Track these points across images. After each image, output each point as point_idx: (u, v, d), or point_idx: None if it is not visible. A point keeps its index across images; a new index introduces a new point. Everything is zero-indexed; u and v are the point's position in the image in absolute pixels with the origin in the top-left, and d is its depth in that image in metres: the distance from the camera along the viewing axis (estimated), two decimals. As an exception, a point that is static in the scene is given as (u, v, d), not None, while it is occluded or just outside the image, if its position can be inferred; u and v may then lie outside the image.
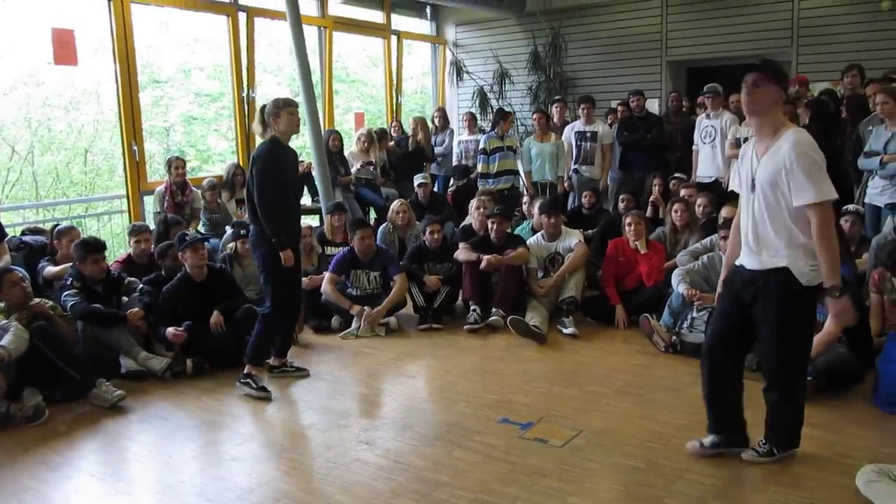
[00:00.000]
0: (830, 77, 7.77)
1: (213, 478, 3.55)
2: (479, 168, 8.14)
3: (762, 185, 3.05)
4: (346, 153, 8.30)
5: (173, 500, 3.34)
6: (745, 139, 6.79)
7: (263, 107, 4.50)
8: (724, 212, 5.76)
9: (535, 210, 6.64)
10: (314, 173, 7.64)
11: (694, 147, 7.47)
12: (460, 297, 6.15)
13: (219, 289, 5.23)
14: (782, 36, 8.62)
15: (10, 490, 3.43)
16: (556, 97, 9.14)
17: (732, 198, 6.51)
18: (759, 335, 3.20)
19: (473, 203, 6.85)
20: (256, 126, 4.54)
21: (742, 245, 3.23)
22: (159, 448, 3.92)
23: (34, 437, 3.95)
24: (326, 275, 5.90)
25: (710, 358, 3.38)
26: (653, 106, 8.78)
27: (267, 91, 11.84)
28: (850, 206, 5.70)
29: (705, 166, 7.38)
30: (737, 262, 3.27)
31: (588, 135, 7.96)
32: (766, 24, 8.69)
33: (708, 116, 7.38)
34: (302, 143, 10.36)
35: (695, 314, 5.03)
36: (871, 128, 5.77)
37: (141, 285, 5.32)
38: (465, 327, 5.70)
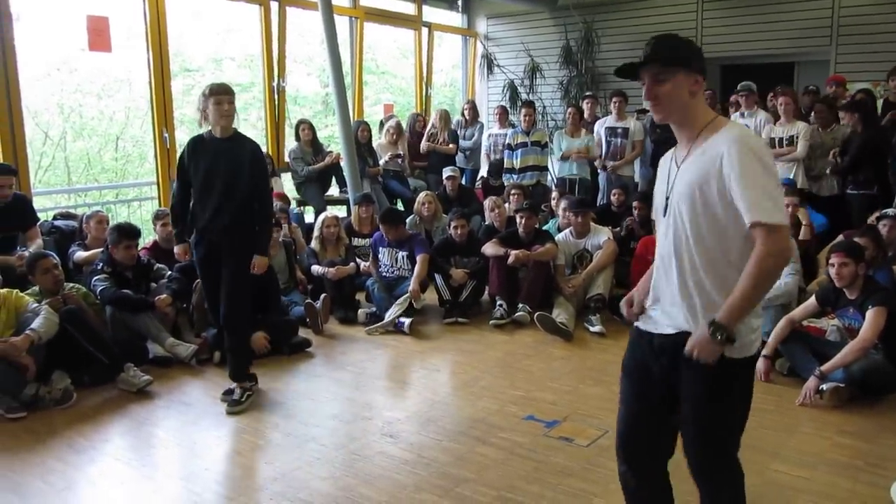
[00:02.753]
0: (871, 78, 7.60)
1: (237, 465, 3.56)
2: (505, 163, 8.12)
3: (679, 203, 2.11)
4: (374, 144, 8.29)
5: (197, 486, 3.35)
6: (780, 140, 6.70)
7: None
8: None
9: (560, 208, 6.60)
10: (342, 164, 7.63)
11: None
12: (487, 292, 6.11)
13: (260, 285, 5.19)
14: (821, 34, 8.44)
15: (37, 471, 3.46)
16: (588, 93, 9.05)
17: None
18: (681, 412, 2.21)
19: (487, 203, 6.82)
20: (199, 116, 4.16)
21: (649, 299, 2.28)
22: (184, 434, 3.94)
23: (62, 419, 3.99)
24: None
25: (629, 475, 2.41)
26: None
27: (297, 81, 11.89)
28: (889, 210, 5.57)
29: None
30: (640, 326, 2.30)
31: (619, 131, 7.87)
32: (805, 21, 8.51)
33: (742, 115, 7.25)
34: (330, 134, 10.38)
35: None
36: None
37: (169, 272, 5.36)
38: (491, 322, 5.67)
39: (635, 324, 2.32)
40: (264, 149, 7.95)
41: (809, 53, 8.63)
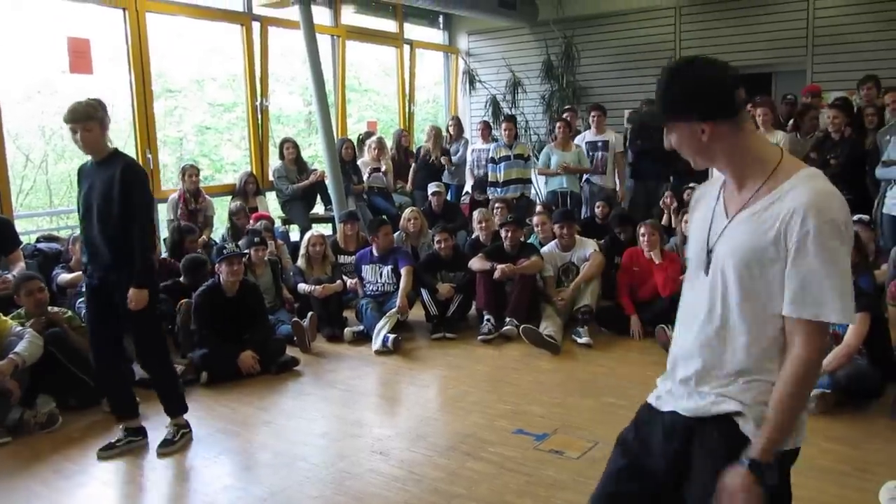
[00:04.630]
0: (846, 87, 7.71)
1: (226, 487, 3.53)
2: (489, 177, 8.16)
3: (725, 264, 1.69)
4: (357, 162, 8.30)
5: (186, 509, 3.32)
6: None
7: None
8: None
9: (535, 220, 6.63)
10: (327, 182, 7.65)
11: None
12: (474, 307, 6.12)
13: (247, 305, 5.21)
14: (797, 45, 8.57)
15: (22, 497, 3.42)
16: (567, 106, 9.12)
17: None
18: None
19: (476, 216, 6.85)
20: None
21: (668, 371, 1.90)
22: (172, 456, 3.90)
23: (48, 444, 3.94)
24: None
25: None
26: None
27: (280, 100, 11.87)
28: (865, 216, 5.63)
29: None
30: (651, 401, 1.90)
31: (599, 144, 7.94)
32: (781, 32, 8.64)
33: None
34: (314, 153, 10.38)
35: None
36: (888, 137, 5.72)
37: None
38: (479, 337, 5.67)
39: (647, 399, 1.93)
40: (248, 168, 7.99)
41: (786, 63, 8.76)
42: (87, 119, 3.57)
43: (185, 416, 4.05)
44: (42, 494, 3.45)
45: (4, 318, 4.36)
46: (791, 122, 7.16)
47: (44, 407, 4.18)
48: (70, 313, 4.84)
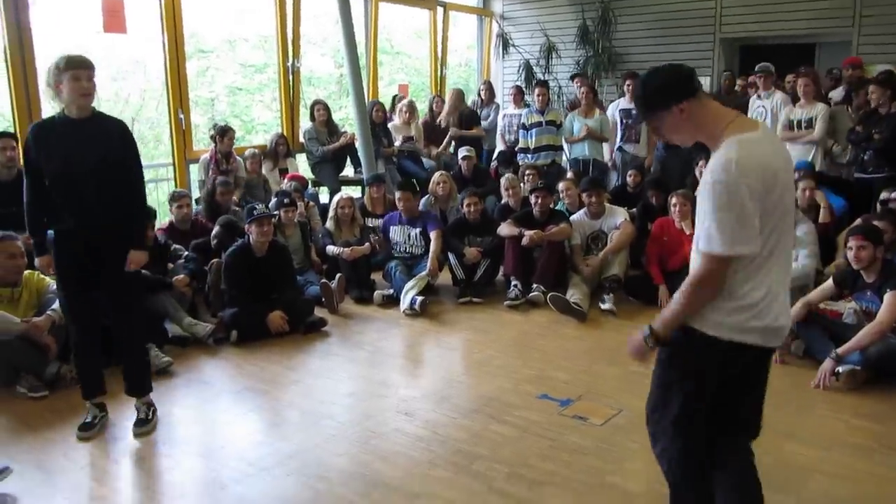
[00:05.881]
0: (892, 60, 7.48)
1: (255, 443, 3.61)
2: (520, 143, 8.10)
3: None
4: (388, 125, 8.28)
5: (215, 463, 3.40)
6: (799, 122, 6.63)
7: (50, 67, 3.44)
8: None
9: (561, 186, 6.57)
10: (357, 144, 7.65)
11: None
12: (501, 272, 6.12)
13: (276, 265, 5.26)
14: (843, 15, 8.30)
15: (60, 448, 3.53)
16: (576, 72, 9.01)
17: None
18: None
19: (503, 183, 6.82)
20: (46, 92, 3.52)
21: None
22: (203, 412, 3.99)
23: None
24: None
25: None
26: (704, 84, 8.57)
27: (311, 62, 11.86)
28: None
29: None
30: None
31: (633, 112, 7.81)
32: (826, 1, 8.37)
33: (759, 97, 7.19)
34: (345, 116, 10.37)
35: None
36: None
37: (186, 252, 5.41)
38: (506, 302, 5.68)
39: None
40: (279, 130, 8.01)
41: (831, 34, 8.51)
42: (93, 68, 3.42)
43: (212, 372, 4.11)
44: (78, 446, 3.56)
45: (43, 276, 4.43)
46: (842, 94, 6.98)
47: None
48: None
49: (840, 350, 4.05)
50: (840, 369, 4.02)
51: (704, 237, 2.15)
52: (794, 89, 6.91)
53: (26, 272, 4.38)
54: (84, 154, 3.42)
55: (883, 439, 3.46)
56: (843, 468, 3.19)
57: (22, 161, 3.52)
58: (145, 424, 3.71)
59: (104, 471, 3.40)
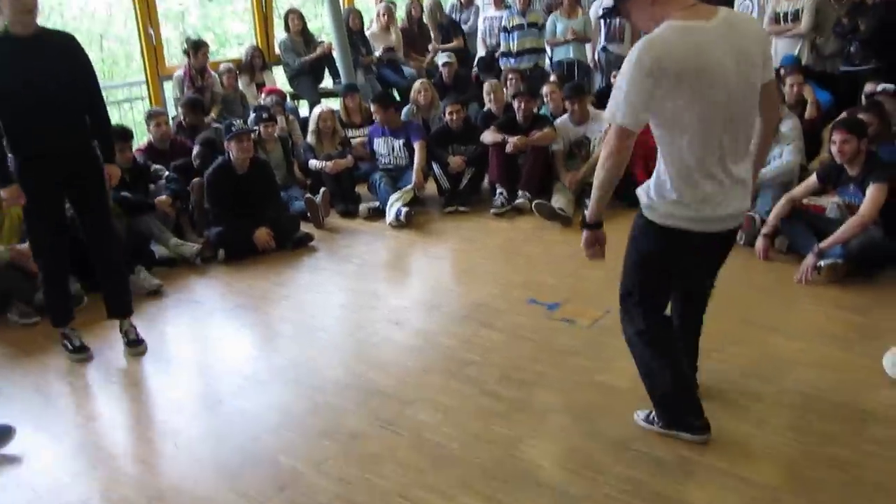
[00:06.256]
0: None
1: (250, 358, 3.67)
2: (501, 47, 7.90)
3: None
4: (366, 33, 8.05)
5: (211, 378, 3.47)
6: (786, 14, 6.49)
7: None
8: None
9: (545, 89, 6.46)
10: (335, 54, 7.44)
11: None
12: (486, 180, 6.09)
13: (259, 182, 5.20)
14: None
15: (57, 373, 3.58)
16: None
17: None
18: None
19: (486, 87, 6.69)
20: None
21: None
22: (196, 330, 4.04)
23: (75, 322, 3.99)
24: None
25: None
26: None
27: (282, -32, 11.38)
28: (890, 86, 5.45)
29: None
30: None
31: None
32: None
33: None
34: (320, 26, 10.05)
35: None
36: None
37: (167, 172, 5.33)
38: (492, 210, 5.67)
39: None
40: (253, 42, 7.78)
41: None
42: None
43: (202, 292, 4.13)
44: (74, 369, 3.61)
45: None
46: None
47: (70, 286, 4.24)
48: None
49: (822, 244, 4.10)
50: (822, 263, 4.08)
51: (609, 108, 2.39)
52: None
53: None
54: (39, 74, 3.28)
55: (862, 330, 3.56)
56: (823, 357, 3.29)
57: None
58: (139, 344, 3.74)
59: (103, 391, 3.46)
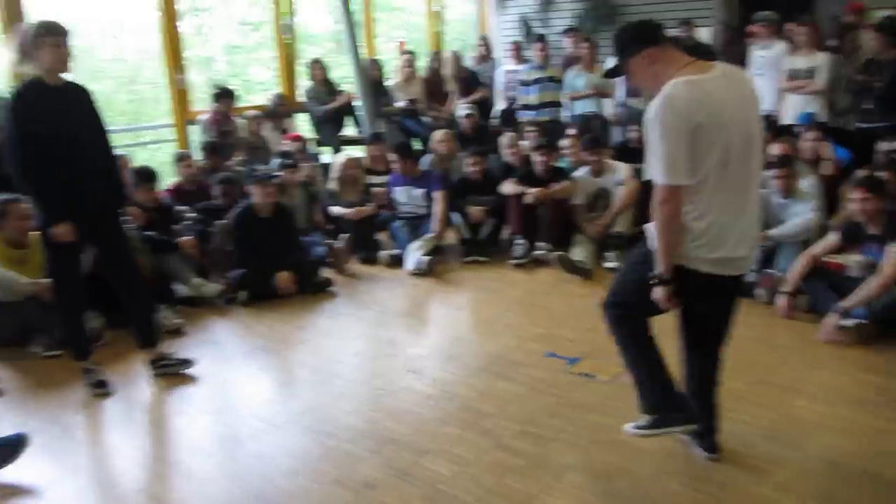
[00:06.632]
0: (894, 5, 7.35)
1: (267, 401, 3.67)
2: (520, 100, 8.02)
3: None
4: (387, 83, 8.20)
5: (230, 420, 3.46)
6: (802, 71, 6.56)
7: (22, 31, 3.46)
8: (774, 148, 5.50)
9: (565, 143, 6.52)
10: (357, 104, 7.58)
11: (747, 80, 7.16)
12: (506, 231, 6.12)
13: (281, 226, 5.27)
14: (846, -39, 8.14)
15: (75, 405, 3.60)
16: (570, 27, 8.86)
17: (785, 132, 6.33)
18: None
19: (504, 141, 6.77)
20: (12, 57, 3.46)
21: None
22: (214, 372, 4.03)
23: (96, 357, 3.98)
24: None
25: None
26: (704, 36, 8.43)
27: (308, 19, 11.68)
28: None
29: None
30: None
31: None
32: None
33: (760, 47, 7.09)
34: (345, 74, 10.25)
35: (745, 252, 4.93)
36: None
37: (192, 213, 5.41)
38: (511, 261, 5.69)
39: None
40: (277, 89, 7.94)
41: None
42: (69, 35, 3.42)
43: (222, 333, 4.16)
44: (93, 403, 3.64)
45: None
46: (838, 42, 6.88)
47: (91, 323, 4.27)
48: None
49: (845, 303, 4.07)
50: (845, 323, 4.04)
51: (651, 168, 2.50)
52: (794, 38, 6.81)
53: (34, 234, 4.37)
54: (70, 122, 3.48)
55: (888, 393, 3.49)
56: (848, 423, 3.23)
57: (7, 127, 3.40)
58: (184, 362, 3.94)
59: (121, 427, 3.47)
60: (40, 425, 3.39)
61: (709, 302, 2.73)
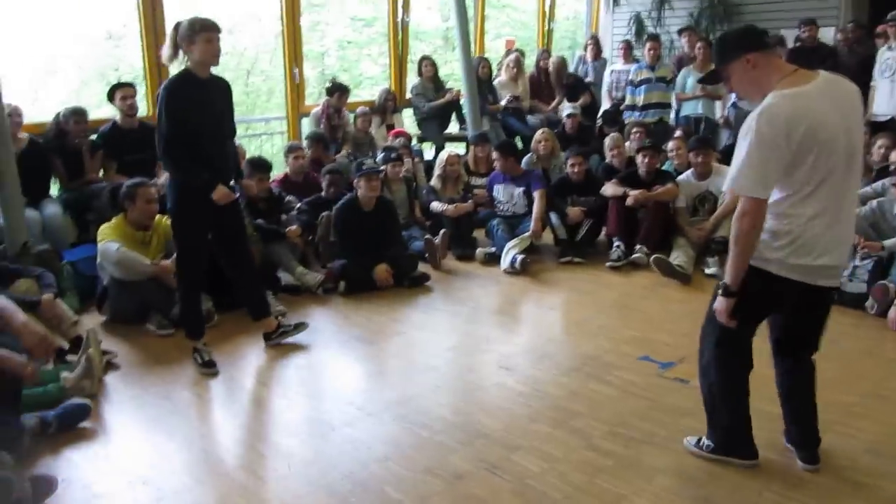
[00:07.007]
0: None
1: (362, 389, 3.81)
2: (627, 100, 7.92)
3: None
4: (494, 82, 8.26)
5: (326, 405, 3.61)
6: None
7: (177, 26, 3.67)
8: (893, 156, 5.22)
9: (670, 145, 6.39)
10: (463, 101, 7.68)
11: (872, 83, 6.83)
12: (603, 232, 6.08)
13: (383, 220, 5.43)
14: None
15: (186, 382, 3.85)
16: (685, 26, 8.62)
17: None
18: None
19: (607, 142, 6.70)
20: (166, 50, 3.72)
21: None
22: (314, 357, 4.21)
23: (205, 337, 4.20)
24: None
25: None
26: (828, 35, 8.06)
27: (418, 16, 11.89)
28: None
29: (882, 102, 6.76)
30: None
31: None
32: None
33: (890, 48, 6.73)
34: (450, 71, 10.39)
35: (857, 262, 4.73)
36: None
37: (298, 205, 5.64)
38: (608, 263, 5.65)
39: None
40: (386, 85, 8.14)
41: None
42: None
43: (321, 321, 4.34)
44: (202, 381, 3.86)
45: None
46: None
47: (203, 303, 4.52)
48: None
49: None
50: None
51: (731, 177, 2.51)
52: (886, 36, 6.42)
53: (157, 216, 4.68)
54: (214, 112, 3.78)
55: None
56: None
57: (160, 112, 3.67)
58: (300, 325, 4.31)
59: (226, 406, 3.68)
60: (153, 399, 3.64)
61: (791, 307, 2.71)
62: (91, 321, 4.52)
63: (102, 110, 6.47)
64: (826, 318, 2.77)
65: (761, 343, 2.87)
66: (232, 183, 3.97)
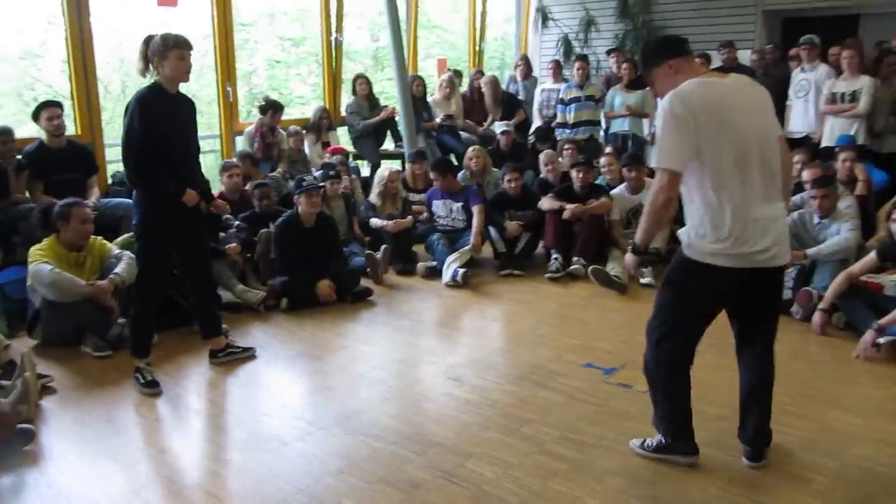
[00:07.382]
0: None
1: (312, 404, 3.78)
2: (558, 118, 8.14)
3: None
4: (428, 99, 8.36)
5: (276, 421, 3.57)
6: (843, 94, 6.60)
7: (148, 40, 3.68)
8: (806, 174, 5.43)
9: (602, 160, 6.68)
10: (398, 118, 7.74)
11: (787, 102, 7.22)
12: (541, 245, 6.21)
13: (324, 236, 5.42)
14: (890, -15, 8.16)
15: (127, 404, 3.74)
16: (614, 48, 8.97)
17: (824, 154, 6.36)
18: None
19: (542, 158, 6.88)
20: (137, 64, 3.72)
21: None
22: (259, 375, 4.16)
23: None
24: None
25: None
26: (746, 57, 8.48)
27: (348, 36, 11.93)
28: None
29: (797, 121, 7.16)
30: None
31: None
32: (871, -29, 8.24)
33: (803, 70, 7.14)
34: (381, 89, 10.45)
35: (782, 270, 4.97)
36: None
37: (236, 222, 5.57)
38: (547, 275, 5.78)
39: None
40: (319, 104, 8.13)
41: (875, 5, 8.38)
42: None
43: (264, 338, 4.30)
44: (145, 402, 3.76)
45: (104, 241, 4.63)
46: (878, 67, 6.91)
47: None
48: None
49: (882, 321, 4.11)
50: (881, 340, 4.07)
51: (655, 156, 2.73)
52: (838, 62, 6.85)
53: (91, 238, 4.56)
54: (183, 127, 3.84)
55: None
56: (884, 434, 3.27)
57: (131, 123, 3.65)
58: (246, 349, 4.33)
59: (172, 426, 3.59)
60: (95, 422, 3.53)
61: (737, 296, 2.84)
62: (22, 346, 4.35)
63: (23, 129, 6.27)
64: (777, 299, 2.94)
65: (705, 349, 3.00)
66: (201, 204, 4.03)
